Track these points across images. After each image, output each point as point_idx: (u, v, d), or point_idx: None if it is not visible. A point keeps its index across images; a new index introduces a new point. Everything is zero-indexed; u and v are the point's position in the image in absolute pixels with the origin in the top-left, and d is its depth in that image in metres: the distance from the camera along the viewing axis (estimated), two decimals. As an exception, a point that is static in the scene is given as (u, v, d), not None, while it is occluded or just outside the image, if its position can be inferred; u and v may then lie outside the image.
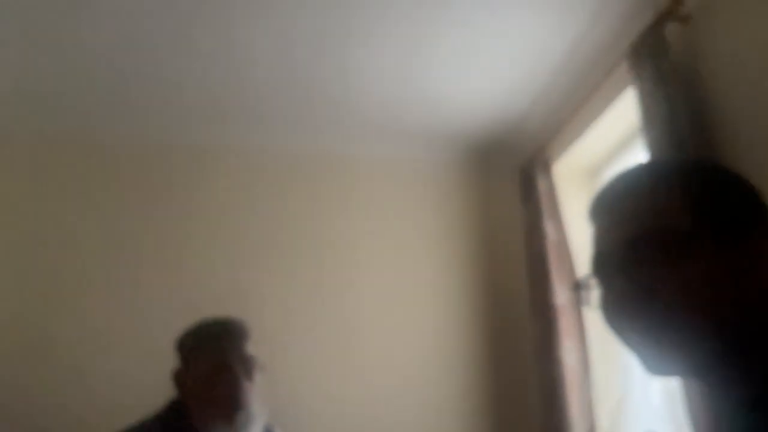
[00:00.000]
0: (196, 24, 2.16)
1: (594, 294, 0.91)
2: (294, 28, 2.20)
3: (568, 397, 2.36)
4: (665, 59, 1.78)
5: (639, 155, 2.37)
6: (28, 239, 2.59)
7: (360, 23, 2.20)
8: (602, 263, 0.87)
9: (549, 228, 2.56)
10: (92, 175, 2.73)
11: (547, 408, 2.44)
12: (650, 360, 0.81)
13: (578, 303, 2.49)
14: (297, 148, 2.95)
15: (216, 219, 2.78)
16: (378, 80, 2.52)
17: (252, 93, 2.57)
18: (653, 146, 1.80)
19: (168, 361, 1.62)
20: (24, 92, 2.50)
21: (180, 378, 1.55)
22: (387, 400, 2.68)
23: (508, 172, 2.99)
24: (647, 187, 0.84)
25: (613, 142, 2.54)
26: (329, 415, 2.59)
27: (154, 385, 1.65)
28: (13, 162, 2.67)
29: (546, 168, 2.66)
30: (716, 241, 0.77)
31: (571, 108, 2.46)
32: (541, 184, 2.63)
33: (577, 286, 0.93)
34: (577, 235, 2.60)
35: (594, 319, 2.47)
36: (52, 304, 2.52)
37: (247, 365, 1.52)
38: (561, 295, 2.49)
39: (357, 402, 2.65)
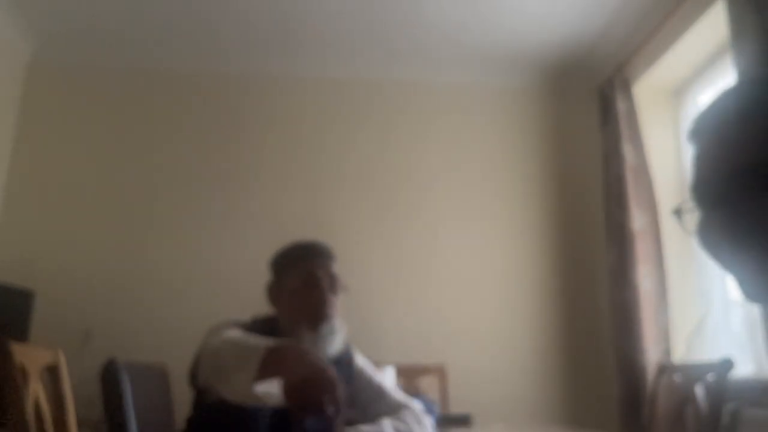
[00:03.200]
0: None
1: (690, 219, 0.89)
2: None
3: (643, 321, 2.35)
4: (760, -34, 1.64)
5: (727, 75, 2.23)
6: (120, 169, 2.74)
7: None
8: (705, 190, 0.84)
9: (628, 151, 2.49)
10: (177, 108, 2.84)
11: (621, 332, 2.44)
12: (751, 287, 0.81)
13: (657, 228, 2.43)
14: (372, 75, 2.94)
15: (292, 147, 2.84)
16: (451, 3, 2.45)
17: (324, 22, 2.56)
18: (743, 63, 1.69)
19: (251, 279, 1.72)
20: (106, 29, 2.59)
21: (272, 291, 1.68)
22: (462, 326, 2.73)
23: (584, 94, 2.89)
24: (757, 114, 0.79)
25: (700, 60, 2.40)
26: (402, 336, 2.68)
27: (237, 306, 1.77)
28: (100, 95, 2.80)
29: (626, 88, 2.55)
30: None
31: (652, 23, 2.32)
32: (621, 106, 2.53)
33: (677, 212, 0.91)
34: (659, 159, 2.51)
35: (673, 244, 2.42)
36: (148, 233, 2.69)
37: (333, 281, 1.62)
38: (639, 220, 2.44)
39: (430, 324, 2.72)
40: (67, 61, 2.79)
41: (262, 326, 1.66)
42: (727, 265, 0.83)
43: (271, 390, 1.14)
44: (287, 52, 2.79)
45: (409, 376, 2.48)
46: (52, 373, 1.40)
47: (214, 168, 2.79)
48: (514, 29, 2.63)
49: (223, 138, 2.83)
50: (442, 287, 2.78)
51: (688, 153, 2.10)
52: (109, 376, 1.42)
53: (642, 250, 2.41)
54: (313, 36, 2.67)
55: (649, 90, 2.59)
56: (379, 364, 2.13)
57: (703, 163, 0.85)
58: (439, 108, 2.97)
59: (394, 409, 1.65)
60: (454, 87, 2.99)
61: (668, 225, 2.39)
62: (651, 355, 2.33)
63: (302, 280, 1.62)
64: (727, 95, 0.85)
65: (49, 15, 2.50)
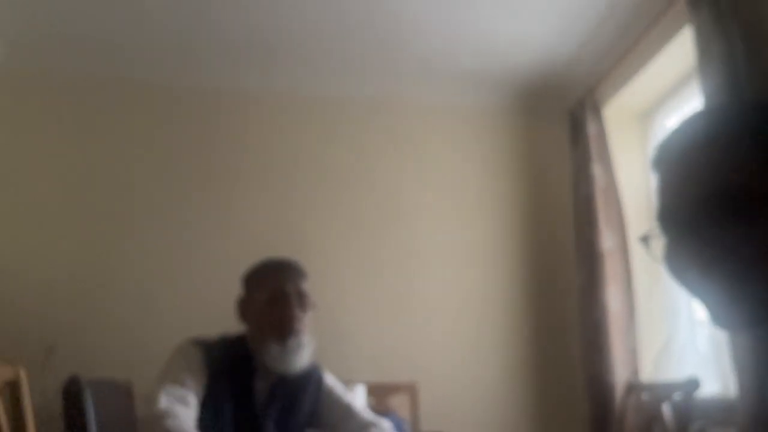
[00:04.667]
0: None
1: (658, 245, 0.89)
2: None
3: (611, 341, 2.37)
4: (725, -5, 1.69)
5: (694, 98, 2.28)
6: (92, 180, 2.68)
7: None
8: (672, 218, 0.84)
9: (597, 172, 2.53)
10: (150, 119, 2.79)
11: (590, 352, 2.46)
12: (719, 314, 0.82)
13: (626, 248, 2.46)
14: (345, 93, 2.94)
15: (266, 163, 2.82)
16: (426, 23, 2.47)
17: (301, 38, 2.56)
18: (710, 88, 1.74)
19: (222, 295, 1.71)
20: (87, 39, 2.55)
21: (242, 306, 1.72)
22: (432, 341, 2.73)
23: (556, 115, 2.93)
24: (721, 141, 0.80)
25: (668, 84, 2.46)
26: (373, 354, 2.67)
27: (207, 321, 1.75)
28: (78, 105, 2.74)
29: (596, 111, 2.60)
30: None
31: (622, 48, 2.37)
32: (591, 127, 2.57)
33: (645, 238, 0.92)
34: (627, 180, 2.56)
35: (641, 264, 2.45)
36: (117, 243, 2.63)
37: (302, 298, 1.66)
38: (608, 240, 2.47)
39: (402, 342, 2.71)
40: (36, 68, 2.73)
41: (230, 345, 1.67)
42: (695, 291, 0.84)
43: None
44: (262, 68, 2.78)
45: (379, 395, 2.47)
46: (12, 389, 1.35)
47: (186, 181, 2.75)
48: (487, 50, 2.67)
49: (195, 151, 2.79)
50: (414, 305, 2.78)
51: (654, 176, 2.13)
52: (72, 394, 1.39)
53: (611, 270, 2.44)
54: (290, 53, 2.67)
55: (618, 113, 2.64)
56: (349, 382, 2.12)
57: (668, 190, 0.85)
58: (412, 126, 2.98)
59: (363, 429, 1.64)
60: (427, 105, 3.00)
61: (636, 245, 2.43)
62: (619, 374, 2.36)
63: (271, 295, 1.64)
64: (690, 123, 0.86)
65: (19, 21, 2.46)
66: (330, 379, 1.77)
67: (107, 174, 2.71)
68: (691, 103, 2.36)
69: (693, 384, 1.75)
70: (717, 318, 0.82)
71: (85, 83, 2.77)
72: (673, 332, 2.38)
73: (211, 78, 2.83)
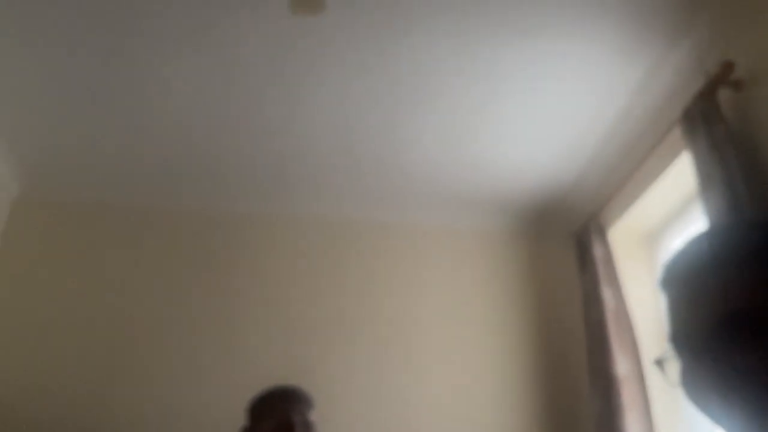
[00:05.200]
0: (256, 98, 2.28)
1: (673, 369, 0.87)
2: (350, 101, 2.29)
3: (633, 475, 2.24)
4: (719, 124, 1.76)
5: (698, 219, 2.31)
6: (91, 308, 2.68)
7: (412, 96, 2.27)
8: (686, 341, 0.82)
9: (607, 295, 2.50)
10: (156, 244, 2.84)
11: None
12: None
13: (641, 373, 2.39)
14: (353, 217, 3.00)
15: (272, 288, 2.83)
16: (430, 150, 2.57)
17: (308, 165, 2.66)
18: (712, 210, 1.76)
19: (225, 425, 1.65)
20: (93, 163, 2.65)
21: None
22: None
23: (562, 238, 2.95)
24: (729, 261, 0.79)
25: (671, 207, 2.49)
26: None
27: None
28: (80, 230, 2.81)
29: (601, 234, 2.62)
30: None
31: (624, 172, 2.43)
32: (597, 251, 2.58)
33: (659, 362, 0.89)
34: (637, 303, 2.53)
35: (659, 389, 2.37)
36: (119, 369, 2.58)
37: (308, 428, 1.63)
38: (622, 365, 2.40)
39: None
40: (50, 198, 2.81)
41: None
42: (715, 416, 0.81)
43: None
44: (270, 192, 2.86)
45: None
46: None
47: (189, 309, 2.74)
48: (493, 175, 2.75)
49: (201, 276, 2.81)
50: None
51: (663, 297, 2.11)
52: None
53: (628, 396, 2.35)
54: (291, 175, 2.75)
55: (624, 236, 2.66)
56: None
57: (679, 312, 0.84)
58: (419, 249, 3.01)
59: None
60: (436, 229, 3.05)
61: (652, 370, 2.36)
62: None
63: (277, 425, 1.60)
64: (695, 242, 0.86)
65: (39, 151, 2.57)
66: None
67: (111, 304, 2.70)
68: (696, 224, 2.38)
69: None
70: None
71: (87, 208, 2.85)
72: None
73: (218, 202, 2.90)
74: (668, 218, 2.57)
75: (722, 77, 1.78)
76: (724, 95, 1.79)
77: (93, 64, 2.09)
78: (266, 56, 2.07)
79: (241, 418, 1.73)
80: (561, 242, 2.95)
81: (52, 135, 2.47)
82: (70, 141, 2.50)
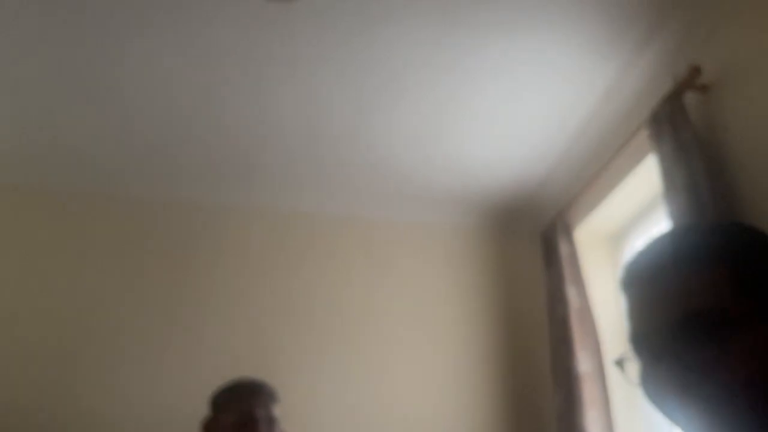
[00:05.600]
0: (225, 88, 2.24)
1: (633, 368, 0.87)
2: (319, 93, 2.27)
3: (592, 470, 2.28)
4: (685, 128, 1.79)
5: (662, 221, 2.35)
6: (52, 298, 2.62)
7: (382, 89, 2.26)
8: (645, 341, 0.82)
9: (571, 293, 2.53)
10: (117, 236, 2.78)
11: (571, 481, 2.35)
12: None
13: (603, 371, 2.43)
14: (320, 210, 2.98)
15: (238, 281, 2.79)
16: (399, 145, 2.57)
17: (276, 157, 2.63)
18: (676, 212, 1.79)
19: (188, 416, 1.62)
20: (55, 151, 2.58)
21: (208, 427, 1.66)
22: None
23: (528, 236, 2.98)
24: (689, 262, 0.80)
25: (635, 208, 2.54)
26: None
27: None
28: (40, 219, 2.73)
29: (567, 233, 2.65)
30: (763, 319, 0.75)
31: (591, 173, 2.47)
32: (563, 249, 2.61)
33: (620, 362, 0.90)
34: (600, 302, 2.56)
35: (619, 387, 2.41)
36: (79, 364, 2.52)
37: (270, 424, 1.61)
38: (584, 363, 2.44)
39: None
40: (8, 183, 2.73)
41: None
42: (673, 416, 0.82)
43: None
44: (235, 184, 2.82)
45: None
46: None
47: (152, 300, 2.69)
48: (461, 172, 2.76)
49: (167, 266, 2.76)
50: (387, 425, 2.67)
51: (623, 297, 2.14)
52: None
53: (588, 393, 2.39)
54: (266, 170, 2.73)
55: (589, 235, 2.70)
56: None
57: (639, 312, 0.84)
58: (385, 243, 3.01)
59: None
60: (403, 225, 3.05)
61: (613, 368, 2.39)
62: (602, 507, 2.24)
63: (239, 419, 1.59)
64: (655, 244, 0.86)
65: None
66: None
67: (72, 294, 2.64)
68: (660, 225, 2.42)
69: None
70: None
71: (47, 197, 2.77)
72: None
73: (184, 193, 2.85)
74: (633, 219, 2.61)
75: (689, 81, 1.81)
76: (690, 99, 1.83)
77: (58, 52, 2.03)
78: (235, 46, 2.04)
79: (204, 410, 1.71)
80: (528, 240, 2.98)
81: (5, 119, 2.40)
82: (29, 127, 2.43)
